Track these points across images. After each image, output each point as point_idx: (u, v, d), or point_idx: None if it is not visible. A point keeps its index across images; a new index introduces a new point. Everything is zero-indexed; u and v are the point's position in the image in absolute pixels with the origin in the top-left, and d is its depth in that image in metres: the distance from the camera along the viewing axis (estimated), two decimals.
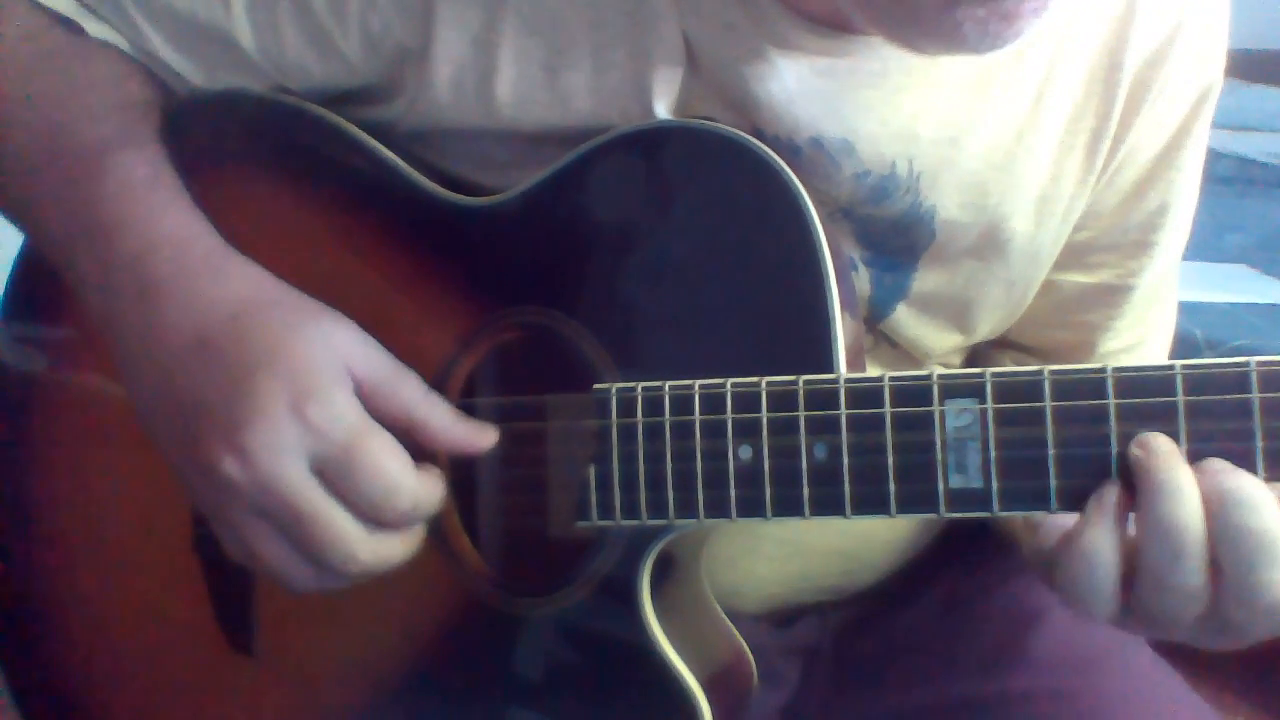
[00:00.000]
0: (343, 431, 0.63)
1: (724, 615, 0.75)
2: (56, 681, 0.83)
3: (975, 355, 0.86)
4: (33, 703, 0.84)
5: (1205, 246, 2.18)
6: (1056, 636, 0.81)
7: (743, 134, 0.66)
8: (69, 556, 0.82)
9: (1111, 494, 0.56)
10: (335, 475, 0.63)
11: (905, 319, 0.77)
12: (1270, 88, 2.83)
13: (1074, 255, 0.78)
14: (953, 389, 0.58)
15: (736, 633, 0.75)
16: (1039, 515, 0.65)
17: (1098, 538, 0.56)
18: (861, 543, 0.84)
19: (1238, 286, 2.10)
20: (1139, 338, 0.83)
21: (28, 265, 0.85)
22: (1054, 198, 0.73)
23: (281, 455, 0.62)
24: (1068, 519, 0.59)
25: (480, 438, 0.69)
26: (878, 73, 0.69)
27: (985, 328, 0.80)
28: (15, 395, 0.84)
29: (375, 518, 0.65)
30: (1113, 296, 0.80)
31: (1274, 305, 2.01)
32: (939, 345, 0.79)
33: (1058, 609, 0.82)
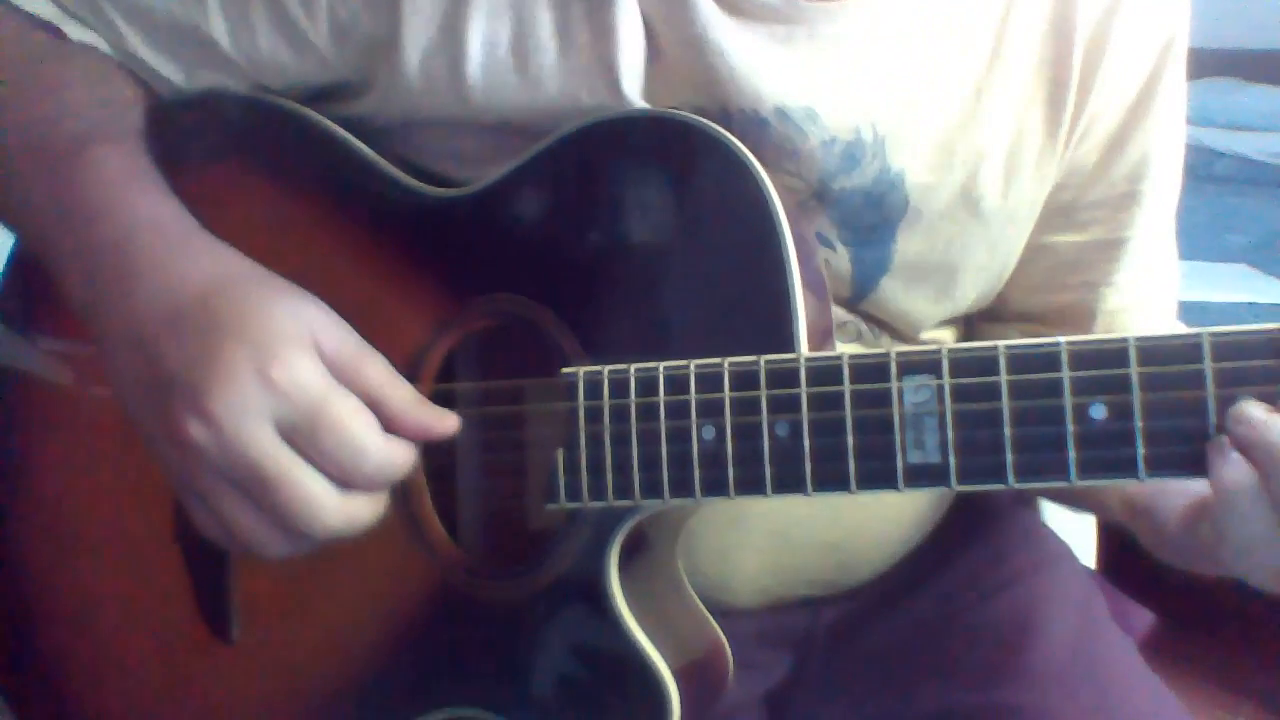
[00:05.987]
0: (307, 393, 0.63)
1: (703, 607, 0.76)
2: (43, 673, 0.84)
3: (980, 334, 0.87)
4: (20, 693, 0.85)
5: (1206, 246, 2.19)
6: (1050, 650, 0.81)
7: (704, 120, 0.66)
8: (53, 549, 0.83)
9: (1221, 439, 0.55)
10: (302, 437, 0.63)
11: (890, 291, 0.78)
12: (1270, 87, 2.83)
13: (1063, 215, 0.79)
14: (910, 365, 0.59)
15: (716, 626, 0.75)
16: (1148, 504, 0.67)
17: (1232, 473, 0.55)
18: (852, 535, 0.84)
19: (1238, 286, 2.10)
20: (1144, 294, 0.83)
21: (19, 264, 0.86)
22: (1021, 152, 0.75)
23: (247, 417, 0.62)
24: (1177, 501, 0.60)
25: (440, 422, 0.68)
26: (834, 37, 0.70)
27: (972, 293, 0.80)
28: (1, 392, 0.85)
29: (343, 479, 0.64)
30: (1108, 251, 0.81)
31: (1274, 305, 2.01)
32: (928, 316, 0.80)
33: (1053, 622, 0.83)
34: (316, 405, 0.63)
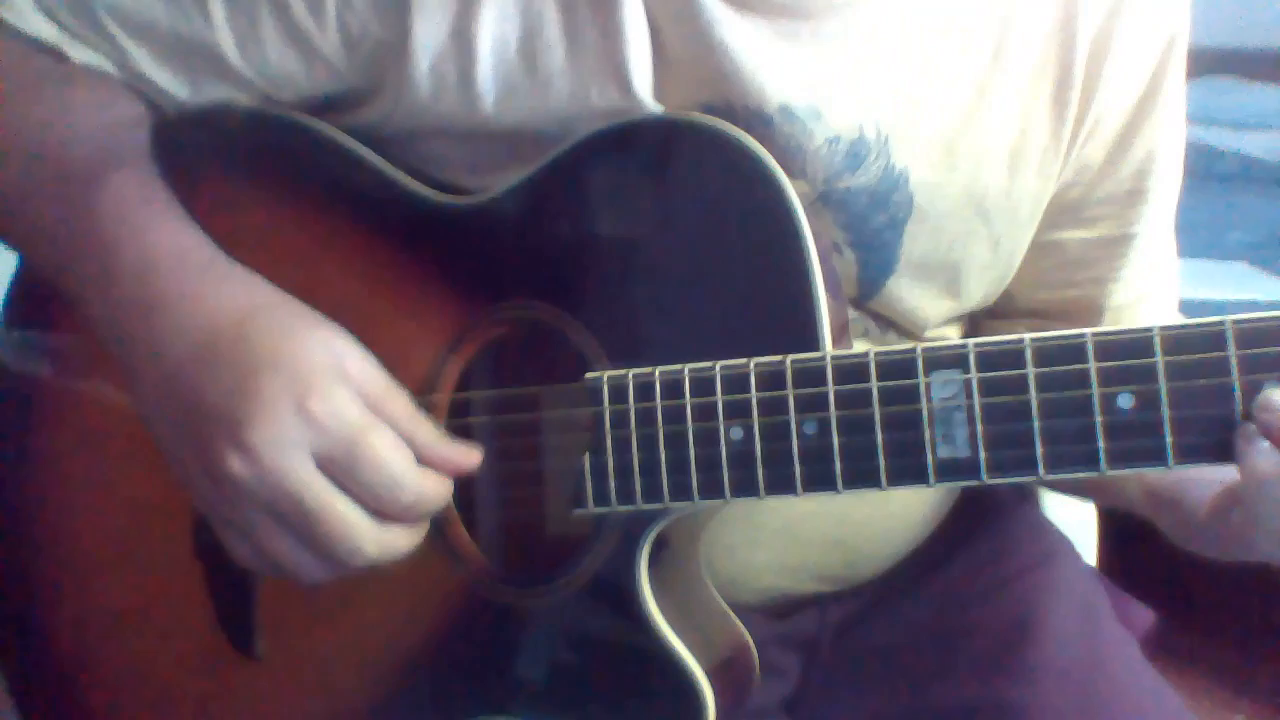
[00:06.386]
0: (345, 425, 0.64)
1: (726, 605, 0.76)
2: (60, 689, 0.84)
3: (986, 331, 0.87)
4: (35, 709, 0.85)
5: (1206, 244, 2.19)
6: (1052, 646, 0.82)
7: (719, 121, 0.67)
8: (71, 563, 0.83)
9: (1249, 427, 0.55)
10: (339, 468, 0.64)
11: (896, 289, 0.78)
12: (1271, 85, 2.83)
13: (1071, 212, 0.80)
14: (937, 361, 0.60)
15: (739, 623, 0.76)
16: (1174, 495, 0.67)
17: (1262, 460, 0.55)
18: (860, 532, 0.85)
19: (1239, 284, 2.11)
20: (1149, 289, 0.84)
21: (30, 270, 0.86)
22: (1025, 150, 0.75)
23: (286, 449, 0.63)
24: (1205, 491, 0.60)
25: (466, 458, 0.69)
26: (837, 34, 0.71)
27: (978, 291, 0.81)
28: (17, 401, 0.85)
29: (380, 510, 0.65)
30: (1116, 247, 0.82)
31: (1276, 303, 2.02)
32: (933, 314, 0.81)
33: (1055, 618, 0.83)
34: (354, 438, 0.64)
